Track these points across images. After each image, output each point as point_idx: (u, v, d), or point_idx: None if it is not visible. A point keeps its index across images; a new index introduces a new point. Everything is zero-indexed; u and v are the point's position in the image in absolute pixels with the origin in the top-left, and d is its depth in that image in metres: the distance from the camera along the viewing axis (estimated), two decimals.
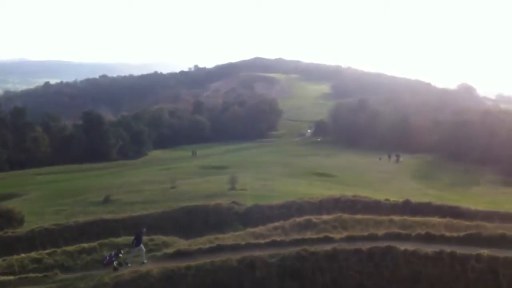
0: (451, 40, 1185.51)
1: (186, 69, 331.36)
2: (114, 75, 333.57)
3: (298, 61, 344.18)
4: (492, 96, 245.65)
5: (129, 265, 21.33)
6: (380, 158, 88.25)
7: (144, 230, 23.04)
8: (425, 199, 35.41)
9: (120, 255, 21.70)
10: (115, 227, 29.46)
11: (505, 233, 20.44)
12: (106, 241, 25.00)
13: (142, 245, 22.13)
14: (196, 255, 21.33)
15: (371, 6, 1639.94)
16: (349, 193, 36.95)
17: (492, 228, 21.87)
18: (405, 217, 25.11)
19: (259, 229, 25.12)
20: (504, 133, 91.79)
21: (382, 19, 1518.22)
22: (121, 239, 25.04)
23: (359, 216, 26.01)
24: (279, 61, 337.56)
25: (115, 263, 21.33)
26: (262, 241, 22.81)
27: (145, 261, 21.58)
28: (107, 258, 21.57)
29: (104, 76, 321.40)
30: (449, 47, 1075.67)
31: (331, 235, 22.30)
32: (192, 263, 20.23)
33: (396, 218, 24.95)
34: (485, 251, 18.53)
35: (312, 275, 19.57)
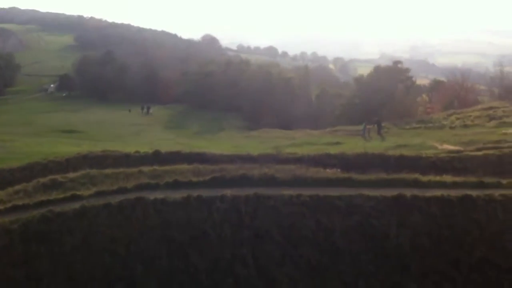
0: None
1: None
2: None
3: (34, 11, 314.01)
4: (234, 47, 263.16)
5: None
6: (129, 111, 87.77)
7: None
8: (175, 148, 36.02)
9: None
10: None
11: (246, 173, 21.91)
12: None
13: None
14: None
15: None
16: (98, 148, 35.65)
17: (234, 169, 23.25)
18: (154, 167, 25.16)
19: None
20: (244, 82, 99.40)
21: None
22: None
23: (108, 171, 25.17)
24: (12, 10, 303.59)
25: None
26: (1, 207, 20.60)
27: None
28: None
29: None
30: None
31: (79, 192, 21.12)
32: None
33: (145, 169, 24.84)
34: (228, 191, 19.63)
35: (60, 236, 18.36)
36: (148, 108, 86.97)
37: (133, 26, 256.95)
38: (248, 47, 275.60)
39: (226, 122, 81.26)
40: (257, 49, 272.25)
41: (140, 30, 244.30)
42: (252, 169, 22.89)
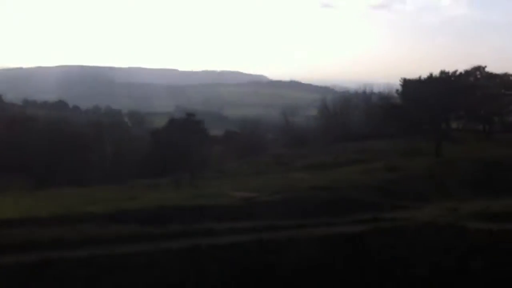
0: None
1: None
2: None
3: None
4: (19, 102, 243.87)
5: None
6: None
7: None
8: None
9: None
10: None
11: (30, 237, 19.87)
12: None
13: None
14: None
15: None
16: None
17: (17, 234, 20.96)
18: None
19: None
20: (31, 141, 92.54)
21: None
22: None
23: None
24: None
25: None
26: None
27: None
28: None
29: None
30: None
31: None
32: None
33: None
34: (9, 259, 17.56)
35: None
36: None
37: None
38: (35, 102, 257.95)
39: (11, 184, 74.06)
40: (45, 103, 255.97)
41: None
42: (39, 232, 20.89)
